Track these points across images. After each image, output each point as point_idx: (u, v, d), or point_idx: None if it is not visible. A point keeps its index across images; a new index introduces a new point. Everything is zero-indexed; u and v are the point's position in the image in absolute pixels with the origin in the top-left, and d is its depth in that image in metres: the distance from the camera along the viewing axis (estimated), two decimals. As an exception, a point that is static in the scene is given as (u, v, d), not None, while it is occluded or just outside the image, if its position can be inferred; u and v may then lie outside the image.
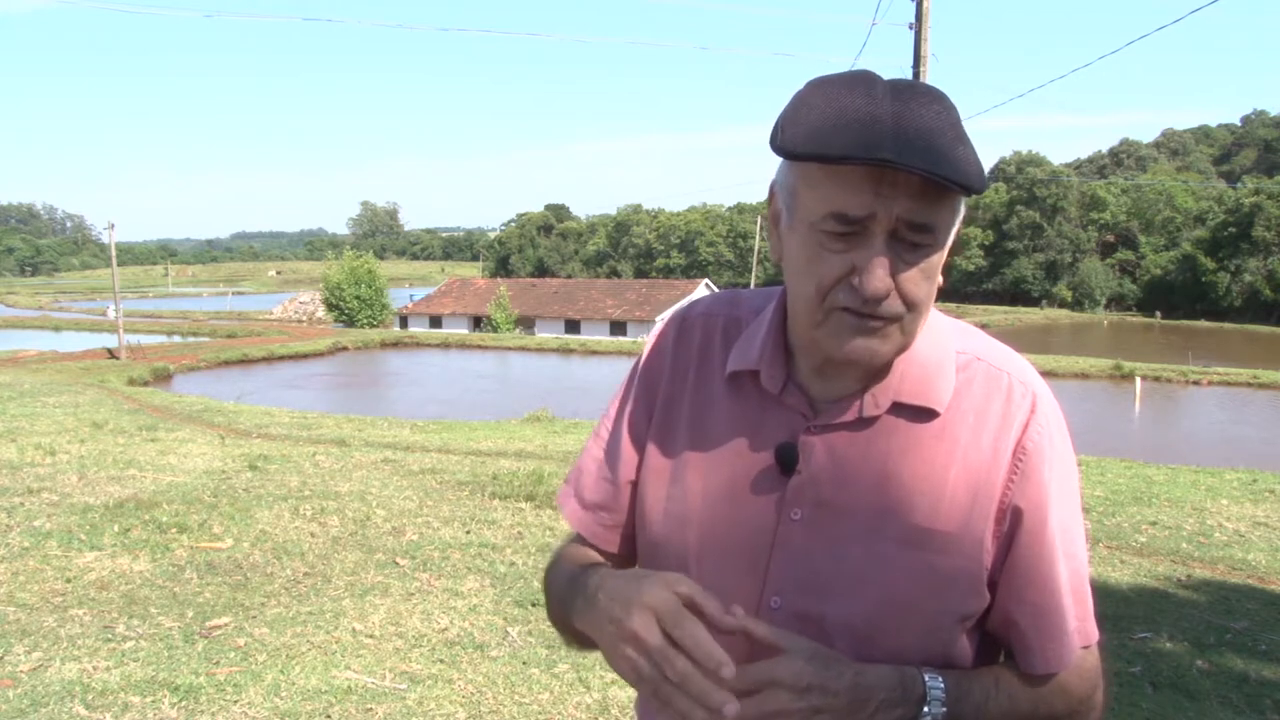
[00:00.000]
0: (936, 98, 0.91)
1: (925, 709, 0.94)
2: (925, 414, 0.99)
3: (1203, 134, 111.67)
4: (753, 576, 1.01)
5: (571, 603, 1.02)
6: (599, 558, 1.15)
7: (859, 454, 0.99)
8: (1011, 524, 0.98)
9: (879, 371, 1.00)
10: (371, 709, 3.37)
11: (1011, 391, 1.00)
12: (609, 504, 1.14)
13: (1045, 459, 0.99)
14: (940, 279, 0.98)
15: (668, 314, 1.18)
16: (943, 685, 0.95)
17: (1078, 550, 1.02)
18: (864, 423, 1.00)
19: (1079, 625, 1.01)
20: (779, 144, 0.90)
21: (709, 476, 1.05)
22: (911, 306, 0.93)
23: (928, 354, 1.01)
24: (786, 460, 1.00)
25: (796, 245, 0.95)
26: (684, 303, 1.16)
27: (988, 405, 1.00)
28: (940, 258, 0.94)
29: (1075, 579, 1.01)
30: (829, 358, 0.97)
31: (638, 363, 1.17)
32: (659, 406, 1.11)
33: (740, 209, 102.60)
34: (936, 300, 1.00)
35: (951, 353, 1.02)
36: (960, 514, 0.97)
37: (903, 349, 0.96)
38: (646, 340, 1.21)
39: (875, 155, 0.85)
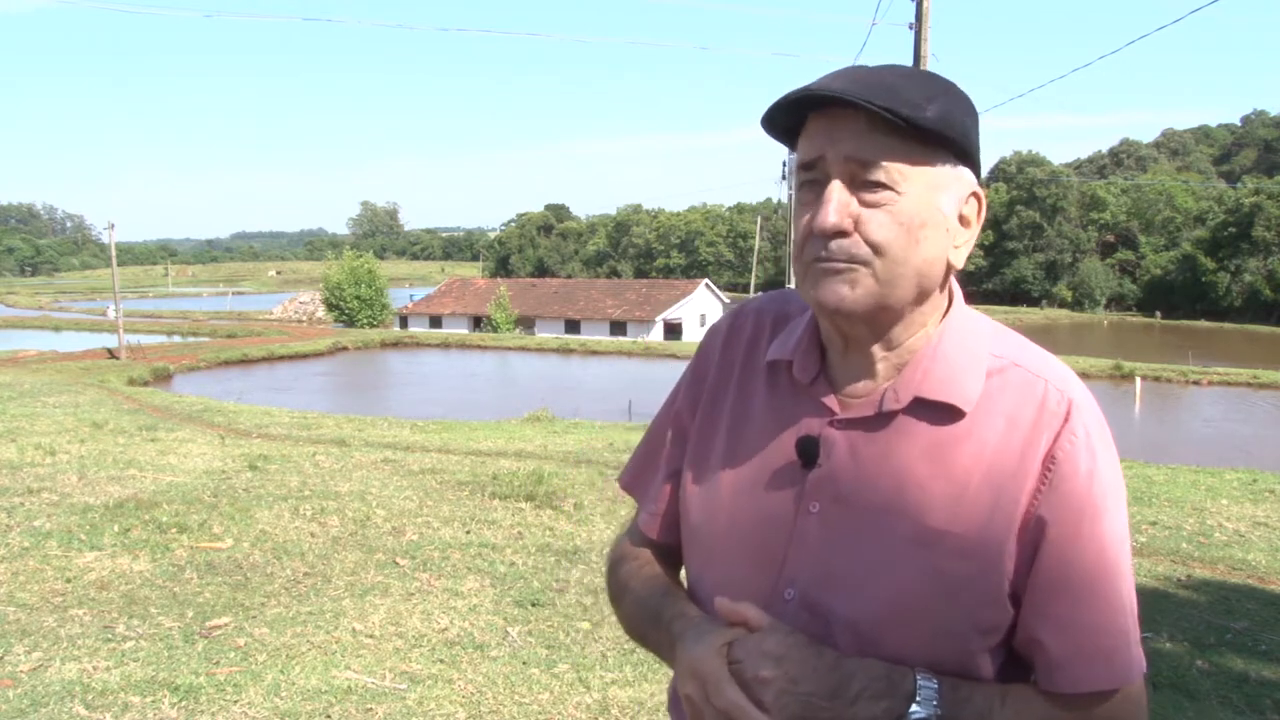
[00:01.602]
0: (910, 69, 0.96)
1: (914, 707, 0.91)
2: (949, 413, 0.97)
3: (1203, 134, 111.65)
4: (769, 568, 1.02)
5: (654, 635, 1.11)
6: (662, 573, 1.17)
7: (879, 451, 0.98)
8: (1035, 535, 0.94)
9: (890, 349, 1.00)
10: (371, 709, 3.37)
11: (1047, 399, 0.97)
12: (655, 494, 1.18)
13: (1078, 470, 0.94)
14: (954, 257, 0.98)
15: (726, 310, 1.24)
16: (935, 686, 0.92)
17: (1120, 570, 0.96)
18: (885, 418, 0.99)
19: (1121, 652, 0.95)
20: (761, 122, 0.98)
21: (740, 466, 1.06)
22: (880, 251, 0.93)
23: (955, 351, 0.99)
24: (807, 454, 1.00)
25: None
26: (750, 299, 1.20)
27: (1020, 411, 0.96)
28: (917, 207, 0.93)
29: (1125, 600, 0.96)
30: (821, 314, 1.00)
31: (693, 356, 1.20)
32: (704, 397, 1.13)
33: (740, 209, 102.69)
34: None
35: (984, 354, 1.00)
36: (979, 519, 0.94)
37: (883, 302, 0.95)
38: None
39: (804, 92, 0.92)
